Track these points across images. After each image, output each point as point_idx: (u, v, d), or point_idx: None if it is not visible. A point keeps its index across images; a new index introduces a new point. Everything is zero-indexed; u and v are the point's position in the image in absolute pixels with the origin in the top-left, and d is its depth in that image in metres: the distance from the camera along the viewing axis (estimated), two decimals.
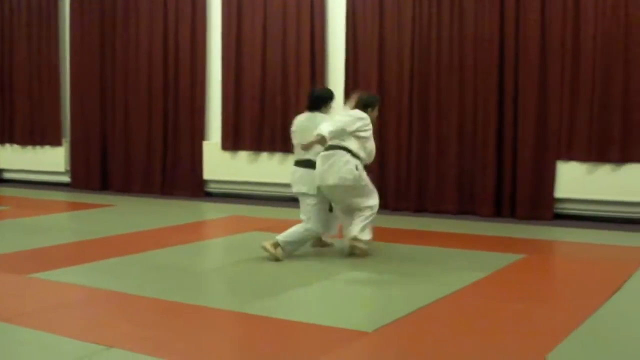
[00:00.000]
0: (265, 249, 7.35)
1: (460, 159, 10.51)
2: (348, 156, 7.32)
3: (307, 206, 7.59)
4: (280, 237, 7.42)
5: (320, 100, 7.83)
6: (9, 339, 4.89)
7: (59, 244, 8.46)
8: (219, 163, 12.56)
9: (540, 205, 10.06)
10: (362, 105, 7.65)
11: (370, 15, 11.14)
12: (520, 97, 10.14)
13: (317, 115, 7.68)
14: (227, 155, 12.52)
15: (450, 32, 10.57)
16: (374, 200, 7.58)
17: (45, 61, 14.48)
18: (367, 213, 7.48)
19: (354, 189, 7.40)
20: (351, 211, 7.55)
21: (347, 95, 11.26)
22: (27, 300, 5.96)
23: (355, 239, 7.49)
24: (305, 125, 7.69)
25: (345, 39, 11.40)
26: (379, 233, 8.93)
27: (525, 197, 10.08)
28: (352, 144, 7.37)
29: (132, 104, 13.45)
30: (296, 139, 7.82)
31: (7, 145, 15.12)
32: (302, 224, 7.57)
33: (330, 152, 7.33)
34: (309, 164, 7.57)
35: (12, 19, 14.90)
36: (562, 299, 6.17)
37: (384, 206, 10.81)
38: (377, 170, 10.90)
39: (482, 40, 10.35)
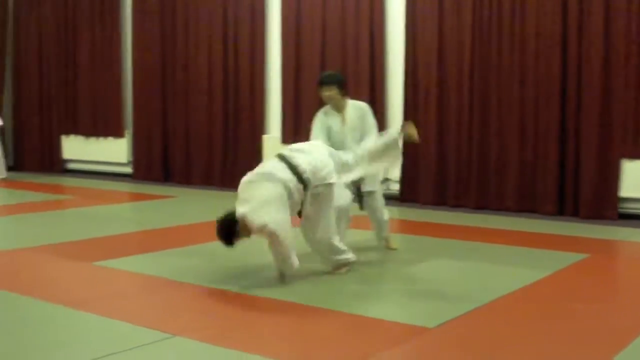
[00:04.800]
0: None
1: (522, 156, 10.39)
2: None
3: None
4: None
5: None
6: (75, 325, 4.97)
7: (122, 234, 8.57)
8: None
9: (604, 204, 9.88)
10: None
11: (430, 11, 11.06)
12: (584, 94, 9.97)
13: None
14: None
15: (511, 28, 10.46)
16: None
17: (108, 54, 14.68)
18: None
19: None
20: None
21: (406, 92, 11.27)
22: (92, 287, 6.05)
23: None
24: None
25: (404, 36, 11.35)
26: (440, 230, 8.92)
27: (588, 196, 9.92)
28: None
29: (193, 96, 13.56)
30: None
31: (72, 136, 15.35)
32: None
33: None
34: None
35: (75, 14, 15.12)
36: (627, 300, 6.06)
37: (444, 202, 10.81)
38: (437, 166, 10.90)
39: (544, 36, 10.21)
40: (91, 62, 14.88)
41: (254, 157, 12.80)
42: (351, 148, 6.94)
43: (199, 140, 13.54)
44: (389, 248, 7.63)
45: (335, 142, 7.07)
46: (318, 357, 4.45)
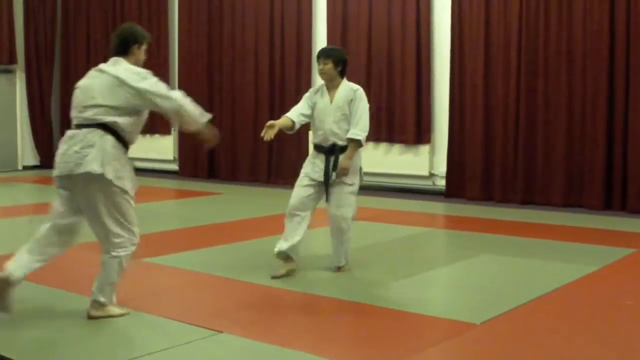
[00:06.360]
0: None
1: (569, 150, 10.30)
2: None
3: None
4: None
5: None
6: (122, 321, 5.01)
7: (170, 230, 8.65)
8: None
9: None
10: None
11: (477, 2, 11.02)
12: (632, 84, 9.86)
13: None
14: None
15: (558, 22, 10.36)
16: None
17: (155, 52, 14.77)
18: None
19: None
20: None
21: (452, 87, 11.21)
22: (139, 284, 6.09)
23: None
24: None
25: (450, 28, 11.31)
26: (486, 225, 8.87)
27: (636, 189, 9.81)
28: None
29: (239, 95, 13.64)
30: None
31: None
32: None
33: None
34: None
35: (123, 13, 15.28)
36: None
37: (491, 198, 10.75)
38: (483, 161, 10.84)
39: (591, 29, 10.10)
40: None
41: (300, 153, 12.81)
42: (331, 129, 6.46)
43: (244, 137, 13.59)
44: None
45: (318, 120, 6.59)
46: (364, 353, 4.46)
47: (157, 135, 14.86)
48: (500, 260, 7.09)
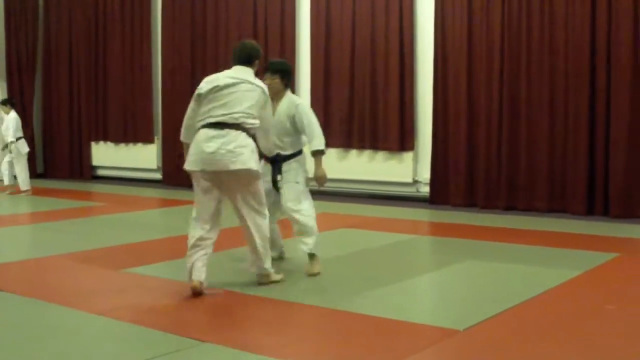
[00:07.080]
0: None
1: (552, 156, 10.34)
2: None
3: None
4: None
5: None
6: (103, 332, 5.00)
7: (152, 240, 8.61)
8: (307, 161, 12.57)
9: (634, 203, 9.81)
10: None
11: (459, 10, 11.05)
12: (613, 91, 9.91)
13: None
14: None
15: (540, 29, 10.40)
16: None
17: (138, 61, 14.77)
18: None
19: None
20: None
21: (436, 96, 11.22)
22: (121, 294, 6.07)
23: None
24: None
25: (433, 35, 11.33)
26: (470, 231, 8.88)
27: (618, 194, 9.85)
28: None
29: None
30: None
31: (101, 143, 15.45)
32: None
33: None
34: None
35: (105, 21, 15.24)
36: None
37: (474, 204, 10.77)
38: (467, 168, 10.86)
39: (573, 36, 10.15)
40: (121, 68, 14.98)
41: None
42: (274, 142, 6.61)
43: None
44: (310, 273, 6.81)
45: None
46: None
47: (140, 144, 14.83)
48: (484, 266, 7.09)
